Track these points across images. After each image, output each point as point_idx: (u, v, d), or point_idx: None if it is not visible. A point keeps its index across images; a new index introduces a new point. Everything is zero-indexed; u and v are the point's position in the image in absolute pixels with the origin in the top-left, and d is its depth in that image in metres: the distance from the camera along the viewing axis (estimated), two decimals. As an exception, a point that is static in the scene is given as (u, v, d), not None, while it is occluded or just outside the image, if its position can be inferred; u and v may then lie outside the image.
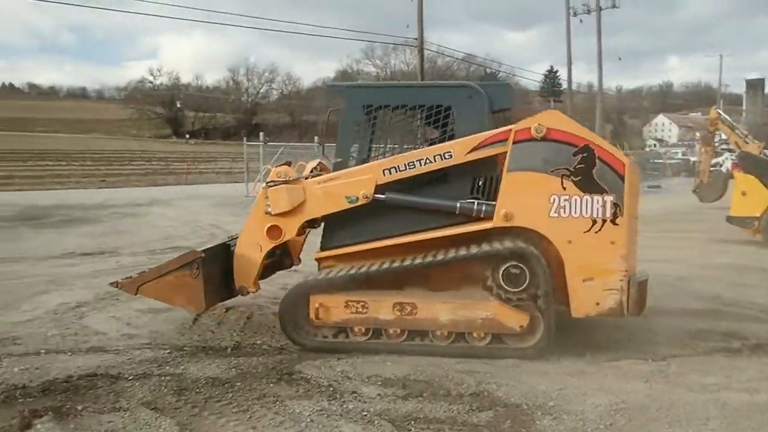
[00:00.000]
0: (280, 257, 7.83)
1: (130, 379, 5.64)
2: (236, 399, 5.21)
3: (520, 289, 6.19)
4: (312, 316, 6.45)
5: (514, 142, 6.16)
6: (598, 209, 6.00)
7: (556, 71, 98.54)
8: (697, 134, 35.57)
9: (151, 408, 5.02)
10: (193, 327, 7.33)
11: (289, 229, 6.74)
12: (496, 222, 6.21)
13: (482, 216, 6.32)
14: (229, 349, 6.52)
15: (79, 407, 5.02)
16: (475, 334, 6.25)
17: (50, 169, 42.50)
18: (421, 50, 35.86)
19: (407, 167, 6.39)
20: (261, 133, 27.69)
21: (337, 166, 6.86)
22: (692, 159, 40.88)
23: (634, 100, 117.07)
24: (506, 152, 6.20)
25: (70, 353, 6.41)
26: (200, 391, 5.37)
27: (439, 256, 6.31)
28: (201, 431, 4.68)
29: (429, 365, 5.96)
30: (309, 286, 6.57)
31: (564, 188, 6.04)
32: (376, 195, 6.46)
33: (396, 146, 7.03)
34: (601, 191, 5.99)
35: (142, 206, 22.40)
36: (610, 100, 79.09)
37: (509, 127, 6.29)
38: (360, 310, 6.39)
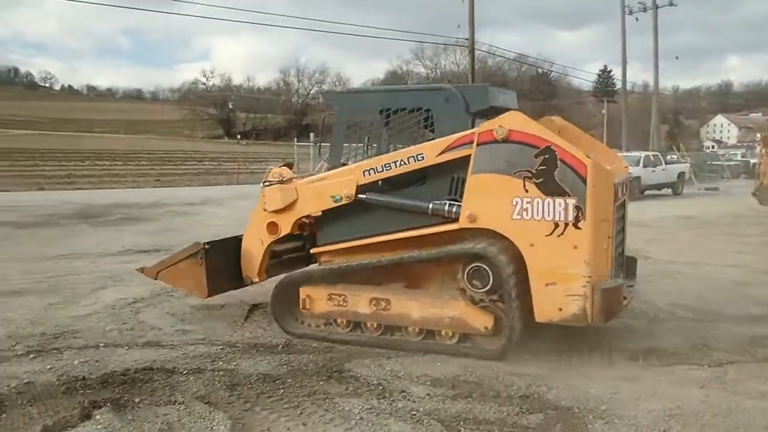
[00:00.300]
0: (309, 251, 7.99)
1: (185, 374, 5.77)
2: (287, 395, 5.28)
3: (485, 290, 6.18)
4: (300, 306, 6.89)
5: (477, 144, 6.13)
6: (560, 212, 5.80)
7: (610, 71, 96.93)
8: (758, 135, 34.58)
9: (205, 402, 5.14)
10: (245, 324, 7.45)
11: (285, 225, 7.11)
12: (462, 223, 6.23)
13: (453, 217, 6.34)
14: (280, 347, 6.61)
15: (136, 399, 5.17)
16: (443, 333, 6.35)
17: (107, 169, 43.71)
18: (472, 51, 35.70)
19: (384, 168, 6.59)
20: (311, 134, 28.01)
21: (334, 168, 7.13)
22: (752, 161, 39.64)
23: (691, 100, 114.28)
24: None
25: (127, 347, 6.59)
26: (252, 387, 5.46)
27: (408, 256, 6.52)
28: (253, 426, 4.76)
29: (478, 366, 5.94)
30: (299, 277, 7.11)
31: (526, 190, 5.91)
32: (358, 195, 6.69)
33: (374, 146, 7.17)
34: (563, 194, 5.78)
35: (195, 205, 22.81)
36: (667, 101, 77.47)
37: (474, 129, 6.27)
38: (341, 303, 6.75)
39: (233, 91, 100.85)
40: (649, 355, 6.28)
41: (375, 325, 6.64)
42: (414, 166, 6.46)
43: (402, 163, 6.50)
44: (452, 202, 6.37)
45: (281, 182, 7.13)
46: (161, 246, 13.18)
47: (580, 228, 5.74)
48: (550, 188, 5.81)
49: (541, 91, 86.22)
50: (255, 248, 7.29)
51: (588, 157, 5.82)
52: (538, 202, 5.86)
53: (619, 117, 47.93)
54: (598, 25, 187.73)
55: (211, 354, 6.35)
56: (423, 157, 6.41)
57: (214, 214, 19.97)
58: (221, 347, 6.58)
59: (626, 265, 7.25)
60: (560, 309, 5.85)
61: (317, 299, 6.86)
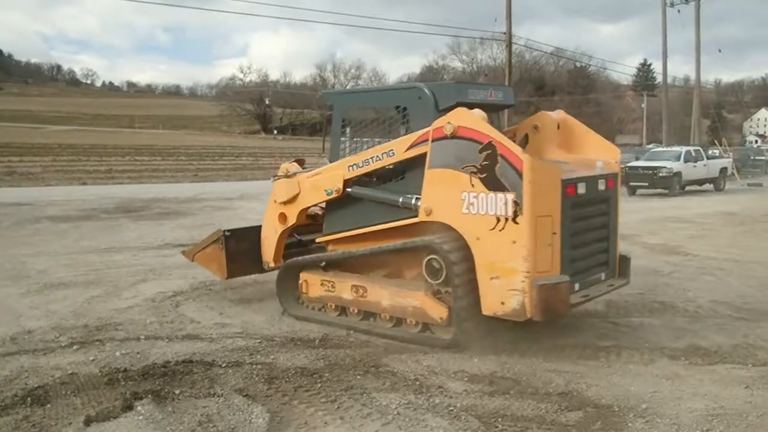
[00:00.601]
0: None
1: (224, 367, 5.84)
2: (324, 389, 5.30)
3: (439, 281, 6.32)
4: (299, 290, 7.51)
5: (432, 140, 6.29)
6: (500, 207, 5.83)
7: (650, 64, 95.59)
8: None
9: (243, 395, 5.19)
10: (283, 318, 7.51)
11: (291, 216, 7.68)
12: (420, 216, 6.44)
13: (417, 211, 6.52)
14: (317, 341, 6.64)
15: (177, 391, 5.24)
16: (408, 321, 6.62)
17: (147, 164, 44.33)
18: (509, 45, 35.39)
19: (364, 164, 6.93)
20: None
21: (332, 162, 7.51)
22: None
23: (733, 93, 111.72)
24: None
25: (167, 340, 6.69)
26: (290, 380, 5.50)
27: (376, 248, 6.92)
28: (291, 419, 4.78)
29: (516, 363, 5.90)
30: (299, 263, 7.61)
31: (472, 185, 5.99)
32: (346, 189, 7.10)
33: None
34: (503, 189, 5.81)
35: (233, 200, 23.07)
36: (708, 94, 75.83)
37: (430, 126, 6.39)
38: (330, 288, 7.27)
39: (270, 87, 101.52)
40: (690, 354, 6.17)
41: (356, 310, 7.06)
42: (387, 161, 6.74)
43: (377, 158, 6.81)
44: (419, 197, 6.52)
45: (287, 176, 7.65)
46: (199, 240, 13.33)
47: (518, 223, 5.77)
48: (492, 183, 5.88)
49: (579, 85, 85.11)
50: (270, 236, 7.94)
51: (525, 152, 5.83)
52: (482, 197, 5.95)
53: (658, 111, 47.08)
54: (639, 18, 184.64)
55: (249, 347, 6.41)
56: (393, 153, 6.68)
57: (252, 208, 20.14)
58: (259, 341, 6.64)
59: (618, 264, 7.03)
60: (503, 303, 5.92)
61: (312, 284, 7.41)
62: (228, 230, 8.16)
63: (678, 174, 25.77)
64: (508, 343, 6.29)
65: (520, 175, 5.71)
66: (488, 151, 5.88)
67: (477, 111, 6.19)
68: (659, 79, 51.95)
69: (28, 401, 5.07)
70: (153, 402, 5.03)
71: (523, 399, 5.10)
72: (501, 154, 5.81)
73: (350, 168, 7.03)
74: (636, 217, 17.26)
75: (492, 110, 7.17)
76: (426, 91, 6.73)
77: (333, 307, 7.27)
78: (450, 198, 6.16)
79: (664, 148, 32.18)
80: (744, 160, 39.63)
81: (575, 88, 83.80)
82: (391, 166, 6.81)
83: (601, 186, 6.60)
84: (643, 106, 71.16)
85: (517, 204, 5.73)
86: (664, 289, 8.83)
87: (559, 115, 7.30)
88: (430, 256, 6.34)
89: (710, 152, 31.60)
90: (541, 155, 6.97)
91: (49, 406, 5.01)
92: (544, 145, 7.13)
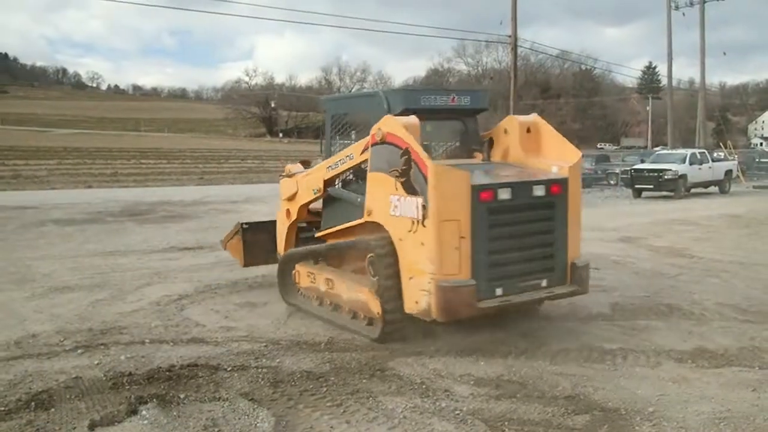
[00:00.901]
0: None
1: (229, 370, 5.83)
2: (330, 393, 5.29)
3: (377, 278, 6.52)
4: (293, 279, 8.07)
5: (372, 146, 6.56)
6: (414, 210, 6.02)
7: (655, 67, 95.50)
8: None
9: (249, 399, 5.18)
10: (288, 321, 7.51)
11: (294, 211, 8.15)
12: (365, 217, 6.74)
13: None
14: (322, 344, 6.63)
15: (182, 395, 5.23)
16: (360, 314, 6.90)
17: (152, 167, 44.39)
18: (514, 47, 35.32)
19: (335, 166, 7.34)
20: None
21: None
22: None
23: (738, 96, 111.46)
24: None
25: (172, 343, 6.69)
26: (295, 384, 5.49)
27: (330, 244, 7.49)
28: (296, 423, 4.77)
29: (522, 366, 5.89)
30: (294, 254, 8.08)
31: (396, 188, 6.20)
32: (326, 189, 7.52)
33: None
34: (416, 193, 5.98)
35: (238, 203, 23.04)
36: (713, 97, 75.65)
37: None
38: (313, 280, 7.71)
39: (275, 90, 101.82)
40: (697, 357, 6.15)
41: (329, 301, 7.45)
42: (350, 164, 7.10)
43: (342, 161, 7.19)
44: None
45: (288, 176, 8.21)
46: (205, 243, 13.35)
47: (425, 226, 5.91)
48: (409, 187, 6.08)
49: (584, 88, 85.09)
50: (281, 230, 8.44)
51: (432, 159, 6.01)
52: (403, 200, 6.16)
53: (663, 114, 46.97)
54: (643, 21, 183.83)
55: (254, 351, 6.40)
56: (352, 156, 7.01)
57: (257, 211, 20.11)
58: (264, 344, 6.63)
59: (569, 271, 6.68)
60: (416, 302, 6.10)
61: (302, 275, 7.92)
62: (246, 223, 8.97)
63: (683, 176, 25.69)
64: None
65: (426, 181, 5.86)
66: (406, 156, 6.06)
67: (409, 118, 6.34)
68: (664, 81, 51.86)
69: (32, 406, 5.08)
70: (158, 406, 5.03)
71: (530, 403, 5.09)
72: (414, 159, 5.99)
73: (328, 169, 7.43)
74: (641, 220, 17.24)
75: (461, 115, 7.32)
76: (383, 97, 6.94)
77: (315, 297, 7.68)
78: (383, 200, 6.40)
79: (670, 151, 32.10)
80: (749, 163, 39.50)
81: (580, 90, 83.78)
82: (360, 168, 7.00)
83: (539, 192, 6.43)
84: (648, 108, 70.99)
85: (425, 208, 5.88)
86: (669, 291, 8.80)
87: (529, 118, 7.28)
88: (369, 254, 6.58)
89: (715, 155, 31.49)
90: (506, 158, 7.13)
91: (53, 410, 5.01)
92: (510, 148, 7.16)
